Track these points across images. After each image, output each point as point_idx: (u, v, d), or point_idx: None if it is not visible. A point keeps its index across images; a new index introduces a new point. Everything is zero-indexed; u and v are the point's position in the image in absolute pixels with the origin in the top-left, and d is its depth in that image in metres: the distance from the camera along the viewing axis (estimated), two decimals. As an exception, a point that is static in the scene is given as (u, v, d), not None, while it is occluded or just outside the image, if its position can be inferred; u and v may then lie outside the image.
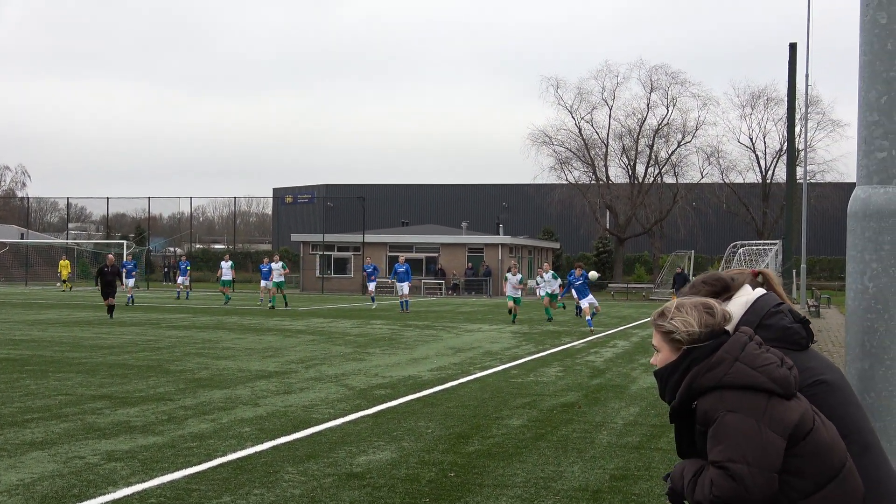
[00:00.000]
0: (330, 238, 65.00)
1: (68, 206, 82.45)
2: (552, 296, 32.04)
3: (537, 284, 31.74)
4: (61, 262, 60.49)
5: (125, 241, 66.19)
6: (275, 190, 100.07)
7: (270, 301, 39.46)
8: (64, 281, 58.07)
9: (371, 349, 20.69)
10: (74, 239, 79.92)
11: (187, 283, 47.96)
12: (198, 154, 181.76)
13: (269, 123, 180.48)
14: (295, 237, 68.89)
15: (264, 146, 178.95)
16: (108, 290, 29.95)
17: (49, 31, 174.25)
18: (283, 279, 40.46)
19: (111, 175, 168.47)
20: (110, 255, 33.27)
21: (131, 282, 40.86)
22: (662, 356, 3.84)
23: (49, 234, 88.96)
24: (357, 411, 11.99)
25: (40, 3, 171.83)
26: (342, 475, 8.43)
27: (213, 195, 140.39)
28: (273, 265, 40.17)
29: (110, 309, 29.67)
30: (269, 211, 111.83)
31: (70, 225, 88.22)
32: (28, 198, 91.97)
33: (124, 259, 44.74)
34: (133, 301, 39.78)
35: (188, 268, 48.80)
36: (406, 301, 38.11)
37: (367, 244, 63.32)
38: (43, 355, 18.19)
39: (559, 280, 32.85)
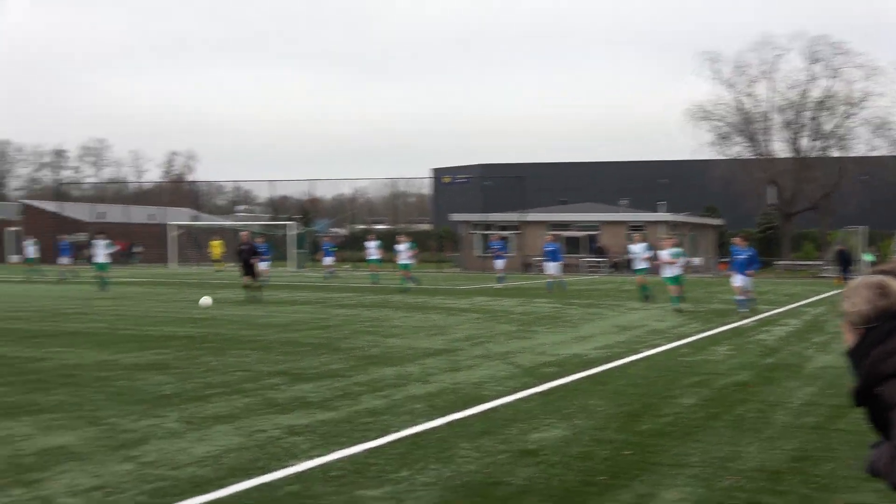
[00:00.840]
0: (489, 217, 65.22)
1: (235, 189, 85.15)
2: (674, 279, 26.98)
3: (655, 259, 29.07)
4: (212, 242, 62.03)
5: (291, 222, 67.92)
6: (433, 170, 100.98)
7: (403, 282, 36.83)
8: (216, 261, 59.78)
9: (536, 327, 20.71)
10: (242, 221, 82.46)
11: (330, 263, 47.98)
12: (360, 137, 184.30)
13: (426, 105, 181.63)
14: (454, 217, 69.35)
15: (421, 129, 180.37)
16: (246, 269, 29.02)
17: (214, 19, 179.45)
18: (409, 261, 37.29)
19: (275, 159, 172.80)
20: (244, 232, 32.61)
21: (264, 264, 39.48)
22: (847, 338, 3.74)
23: (218, 216, 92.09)
24: (526, 389, 12.03)
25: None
26: (516, 452, 8.49)
27: (373, 177, 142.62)
28: (400, 247, 37.45)
29: (250, 289, 28.80)
30: (428, 191, 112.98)
31: (237, 207, 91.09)
32: (197, 182, 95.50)
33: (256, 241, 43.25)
34: (266, 282, 38.16)
35: (333, 248, 49.19)
36: (561, 281, 37.24)
37: (527, 223, 63.29)
38: (220, 333, 18.88)
39: (683, 259, 28.64)
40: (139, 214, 78.31)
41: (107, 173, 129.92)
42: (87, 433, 9.05)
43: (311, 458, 8.19)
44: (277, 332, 19.08)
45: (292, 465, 7.91)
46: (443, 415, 10.16)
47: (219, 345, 16.75)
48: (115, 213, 77.58)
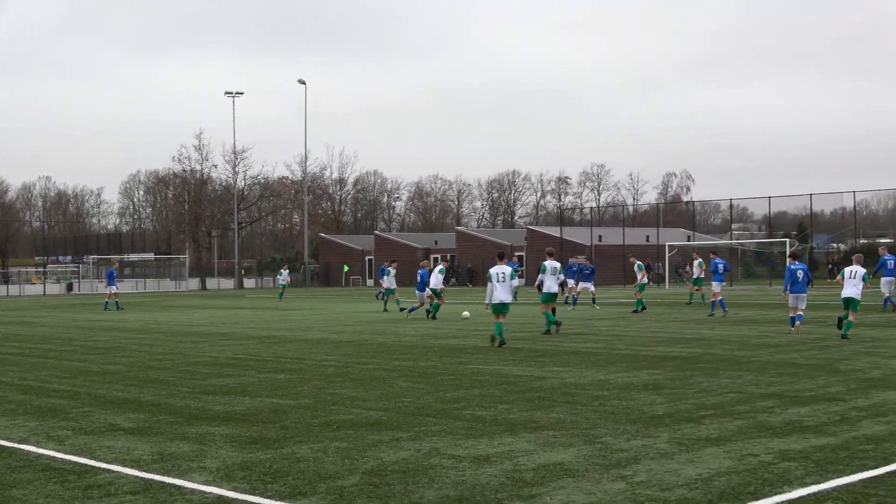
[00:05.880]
0: None
1: (731, 207, 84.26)
2: None
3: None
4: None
5: (787, 240, 65.93)
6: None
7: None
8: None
9: None
10: (738, 239, 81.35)
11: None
12: (864, 148, 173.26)
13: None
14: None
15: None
16: None
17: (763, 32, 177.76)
18: None
19: (770, 174, 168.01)
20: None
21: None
22: None
23: (713, 235, 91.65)
24: None
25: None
26: None
27: (876, 188, 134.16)
28: None
29: None
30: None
31: (733, 226, 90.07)
32: (693, 202, 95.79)
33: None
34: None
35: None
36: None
37: None
38: (713, 353, 18.74)
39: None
40: (636, 236, 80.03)
41: (606, 198, 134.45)
42: (581, 451, 9.42)
43: (804, 485, 7.90)
44: (771, 353, 18.64)
45: (784, 493, 7.67)
46: (954, 445, 9.37)
47: (713, 365, 16.66)
48: (613, 236, 79.92)
